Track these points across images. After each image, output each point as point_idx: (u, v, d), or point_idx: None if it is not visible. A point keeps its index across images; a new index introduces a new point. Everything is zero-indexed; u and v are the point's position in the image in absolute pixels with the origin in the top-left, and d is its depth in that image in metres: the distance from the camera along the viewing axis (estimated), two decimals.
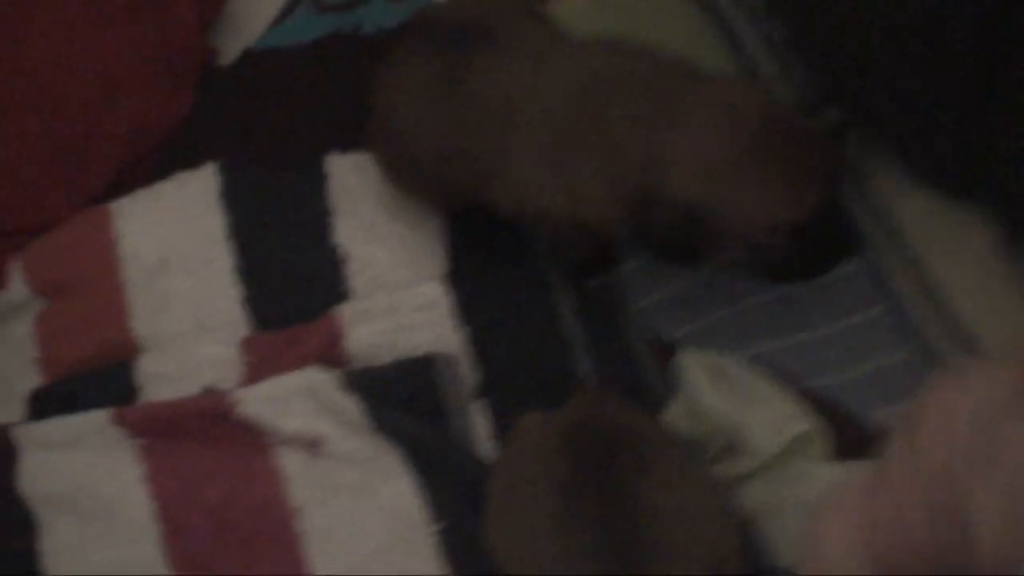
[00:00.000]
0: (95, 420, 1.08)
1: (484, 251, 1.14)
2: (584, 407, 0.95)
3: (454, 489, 1.02)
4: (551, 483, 0.90)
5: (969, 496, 0.66)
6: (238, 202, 1.17)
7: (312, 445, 1.06)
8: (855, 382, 1.08)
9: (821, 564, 0.80)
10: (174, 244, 1.17)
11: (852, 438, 1.05)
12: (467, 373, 1.09)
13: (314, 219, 1.16)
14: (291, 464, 1.06)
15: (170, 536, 1.05)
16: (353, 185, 1.17)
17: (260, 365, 1.10)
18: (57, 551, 1.06)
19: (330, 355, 1.10)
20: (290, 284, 1.15)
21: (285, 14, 1.25)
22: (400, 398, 1.07)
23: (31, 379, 1.15)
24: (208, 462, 1.07)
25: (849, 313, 1.10)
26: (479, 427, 1.08)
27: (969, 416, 0.69)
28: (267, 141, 1.21)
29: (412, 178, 1.10)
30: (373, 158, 1.12)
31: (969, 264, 1.07)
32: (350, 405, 1.05)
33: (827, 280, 1.08)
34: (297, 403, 1.07)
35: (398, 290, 1.13)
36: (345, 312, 1.11)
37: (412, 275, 1.14)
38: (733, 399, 1.05)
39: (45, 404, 1.12)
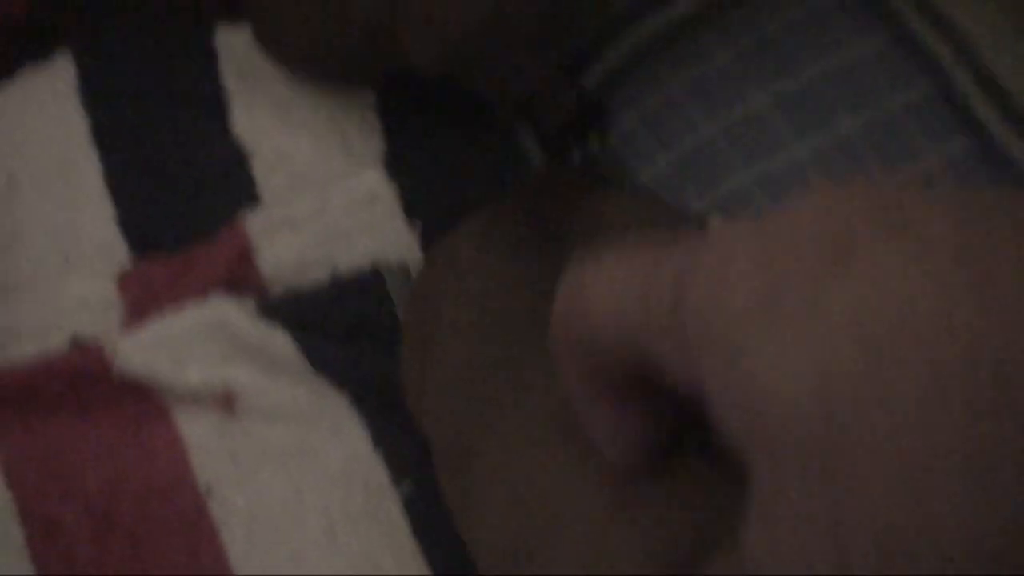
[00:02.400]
0: None
1: (433, 126, 0.86)
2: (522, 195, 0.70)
3: (418, 437, 0.73)
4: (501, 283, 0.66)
5: None
6: (103, 97, 0.89)
7: (224, 401, 0.78)
8: None
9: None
10: (24, 158, 0.88)
11: None
12: None
13: (204, 108, 0.87)
14: (197, 430, 0.78)
15: (38, 540, 0.77)
16: (253, 63, 0.88)
17: (146, 302, 0.82)
18: None
19: (239, 280, 0.81)
20: (178, 195, 0.86)
21: None
22: (343, 326, 0.79)
23: None
24: (83, 439, 0.78)
25: (921, 154, 0.82)
26: None
27: None
28: (136, 18, 0.93)
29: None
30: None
31: None
32: (276, 341, 0.77)
33: (890, 113, 0.81)
34: (199, 345, 0.79)
35: (325, 187, 0.84)
36: (256, 221, 0.82)
37: (342, 167, 0.85)
38: None
39: None
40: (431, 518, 0.74)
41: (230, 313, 0.78)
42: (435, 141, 0.85)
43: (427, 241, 0.82)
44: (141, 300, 0.82)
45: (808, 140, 0.85)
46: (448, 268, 0.71)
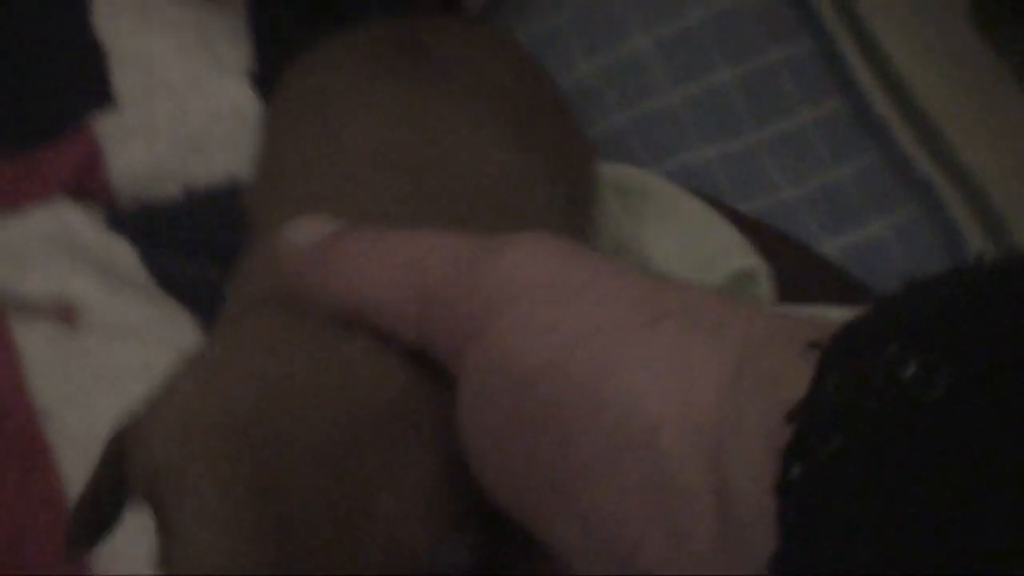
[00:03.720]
0: None
1: (304, 42, 0.82)
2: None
3: None
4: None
5: None
6: None
7: (65, 314, 0.74)
8: (800, 201, 0.81)
9: None
10: None
11: (798, 275, 0.78)
12: None
13: (61, 1, 0.82)
14: (35, 345, 0.74)
15: None
16: None
17: None
18: None
19: (85, 188, 0.77)
20: (29, 93, 0.81)
21: None
22: (194, 243, 0.76)
23: None
24: None
25: (796, 110, 0.82)
26: None
27: None
28: None
29: None
30: None
31: (937, 46, 0.82)
32: (122, 254, 0.74)
33: (768, 65, 0.80)
34: (41, 253, 0.74)
35: (186, 94, 0.80)
36: (107, 124, 0.78)
37: (206, 75, 0.81)
38: (650, 225, 0.77)
39: None
40: None
41: (76, 221, 0.74)
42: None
43: None
44: None
45: (653, 29, 0.84)
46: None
